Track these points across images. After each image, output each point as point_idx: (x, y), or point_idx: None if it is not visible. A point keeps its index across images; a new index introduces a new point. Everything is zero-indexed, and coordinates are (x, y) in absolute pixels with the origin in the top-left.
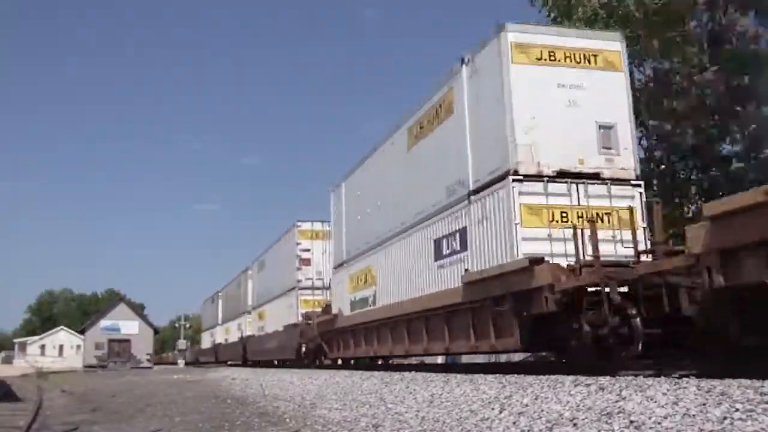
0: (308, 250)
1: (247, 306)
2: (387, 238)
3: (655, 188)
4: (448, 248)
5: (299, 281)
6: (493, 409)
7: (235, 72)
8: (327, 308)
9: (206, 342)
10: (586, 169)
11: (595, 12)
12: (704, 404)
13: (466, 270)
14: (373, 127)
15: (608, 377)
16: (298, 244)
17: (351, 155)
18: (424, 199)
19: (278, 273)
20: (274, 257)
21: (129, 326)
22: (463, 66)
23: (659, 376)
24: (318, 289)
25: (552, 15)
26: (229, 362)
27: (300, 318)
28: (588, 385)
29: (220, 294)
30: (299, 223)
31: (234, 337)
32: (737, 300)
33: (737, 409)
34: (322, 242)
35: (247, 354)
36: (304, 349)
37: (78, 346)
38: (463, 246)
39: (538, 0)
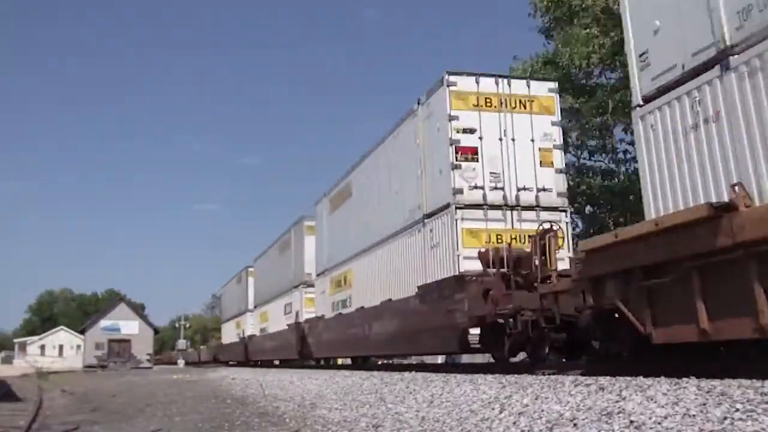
0: (473, 132)
1: (303, 275)
2: None
3: None
4: None
5: (458, 192)
6: (493, 409)
7: (235, 72)
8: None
9: (229, 335)
10: None
11: (597, 17)
12: (704, 404)
13: None
14: (373, 127)
15: (608, 377)
16: (452, 118)
17: (351, 155)
18: None
19: (394, 189)
20: (380, 165)
21: (129, 326)
22: None
23: (659, 376)
24: (496, 208)
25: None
26: (265, 362)
27: (463, 268)
28: (588, 385)
29: (251, 269)
30: (453, 79)
31: (277, 325)
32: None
33: (737, 409)
34: (499, 115)
35: (308, 349)
36: (473, 334)
37: (78, 346)
38: None
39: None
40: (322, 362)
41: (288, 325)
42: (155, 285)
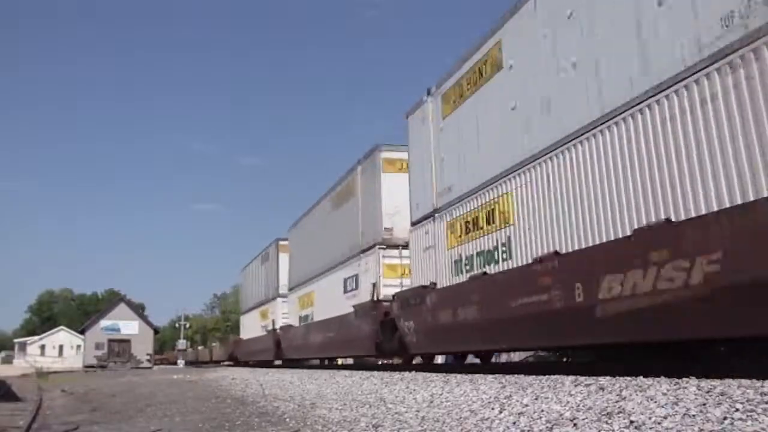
0: None
1: (380, 232)
2: None
3: None
4: None
5: None
6: (493, 409)
7: (235, 72)
8: None
9: (251, 328)
10: None
11: None
12: (704, 404)
13: None
14: (373, 127)
15: (608, 377)
16: None
17: (351, 155)
18: None
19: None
20: None
21: (129, 326)
22: None
23: (659, 376)
24: None
25: None
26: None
27: None
28: (588, 385)
29: (282, 243)
30: None
31: (329, 310)
32: None
33: (737, 409)
34: None
35: (396, 342)
36: None
37: (78, 346)
38: None
39: None
40: (415, 360)
41: (354, 306)
42: (155, 285)
